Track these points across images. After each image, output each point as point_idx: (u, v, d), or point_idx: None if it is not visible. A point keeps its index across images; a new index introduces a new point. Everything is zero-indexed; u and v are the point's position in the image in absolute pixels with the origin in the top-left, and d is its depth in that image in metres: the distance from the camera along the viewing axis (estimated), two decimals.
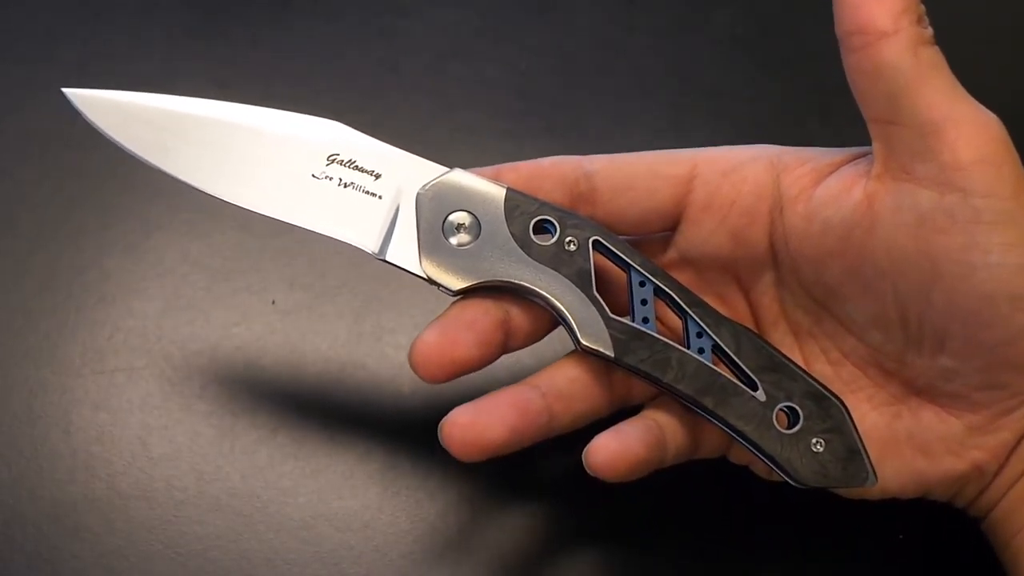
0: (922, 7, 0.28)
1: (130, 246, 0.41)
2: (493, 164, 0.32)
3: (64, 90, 0.31)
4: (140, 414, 0.37)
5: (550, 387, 0.31)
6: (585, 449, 0.29)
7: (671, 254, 0.33)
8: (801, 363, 0.33)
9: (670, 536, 0.36)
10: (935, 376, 0.30)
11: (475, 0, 0.48)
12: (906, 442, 0.31)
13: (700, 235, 0.32)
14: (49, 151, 0.43)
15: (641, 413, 0.32)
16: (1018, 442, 0.30)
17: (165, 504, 0.36)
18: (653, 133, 0.45)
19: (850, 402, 0.31)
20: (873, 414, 0.32)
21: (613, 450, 0.29)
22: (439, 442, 0.30)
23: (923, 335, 0.30)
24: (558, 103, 0.46)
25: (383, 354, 0.39)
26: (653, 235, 0.34)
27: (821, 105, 0.46)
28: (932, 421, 0.31)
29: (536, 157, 0.32)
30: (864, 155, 0.31)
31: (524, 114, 0.45)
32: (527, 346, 0.32)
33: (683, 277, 0.33)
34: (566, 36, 0.48)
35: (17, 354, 0.38)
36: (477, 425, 0.29)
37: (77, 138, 0.42)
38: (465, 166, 0.31)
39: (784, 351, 0.33)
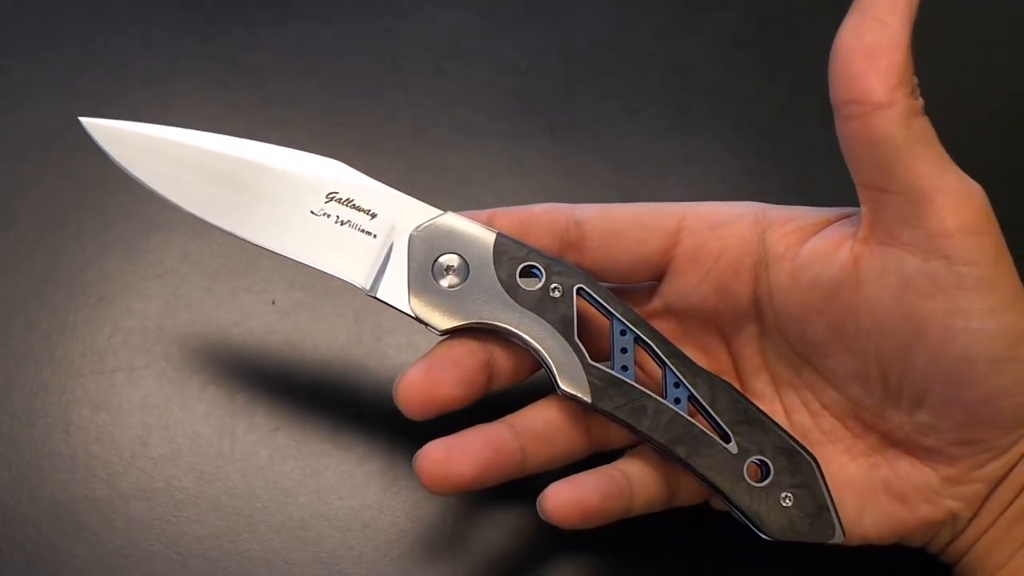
0: (915, 79, 0.29)
1: (130, 246, 0.41)
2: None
3: (81, 119, 0.32)
4: (140, 414, 0.37)
5: (525, 427, 0.31)
6: (539, 496, 0.30)
7: (656, 303, 0.34)
8: (782, 413, 0.34)
9: (670, 537, 0.36)
10: (912, 430, 0.31)
11: (475, 0, 0.48)
12: (883, 491, 0.32)
13: (685, 286, 0.33)
14: (49, 151, 0.43)
15: (611, 463, 0.32)
16: (990, 492, 0.31)
17: (165, 504, 0.36)
18: (653, 133, 0.45)
19: (829, 452, 0.32)
20: (852, 465, 0.33)
21: (565, 498, 0.30)
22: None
23: (902, 392, 0.31)
24: (558, 103, 0.46)
25: (383, 354, 0.39)
26: (639, 284, 0.34)
27: (821, 105, 0.45)
28: (909, 472, 0.32)
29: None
30: (848, 216, 0.31)
31: (524, 114, 0.45)
32: (509, 386, 0.33)
33: (667, 326, 0.34)
34: (566, 36, 0.48)
35: (17, 354, 0.38)
36: (449, 461, 0.30)
37: (77, 138, 0.42)
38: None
39: (765, 401, 0.34)
